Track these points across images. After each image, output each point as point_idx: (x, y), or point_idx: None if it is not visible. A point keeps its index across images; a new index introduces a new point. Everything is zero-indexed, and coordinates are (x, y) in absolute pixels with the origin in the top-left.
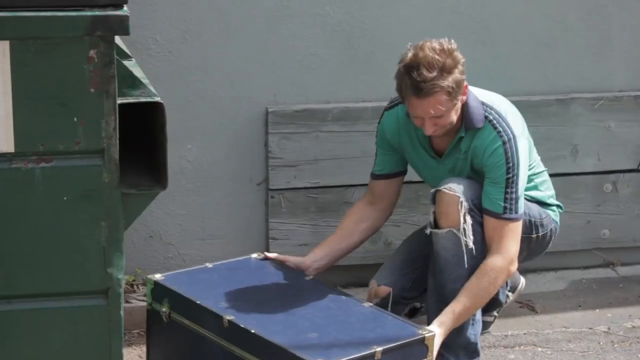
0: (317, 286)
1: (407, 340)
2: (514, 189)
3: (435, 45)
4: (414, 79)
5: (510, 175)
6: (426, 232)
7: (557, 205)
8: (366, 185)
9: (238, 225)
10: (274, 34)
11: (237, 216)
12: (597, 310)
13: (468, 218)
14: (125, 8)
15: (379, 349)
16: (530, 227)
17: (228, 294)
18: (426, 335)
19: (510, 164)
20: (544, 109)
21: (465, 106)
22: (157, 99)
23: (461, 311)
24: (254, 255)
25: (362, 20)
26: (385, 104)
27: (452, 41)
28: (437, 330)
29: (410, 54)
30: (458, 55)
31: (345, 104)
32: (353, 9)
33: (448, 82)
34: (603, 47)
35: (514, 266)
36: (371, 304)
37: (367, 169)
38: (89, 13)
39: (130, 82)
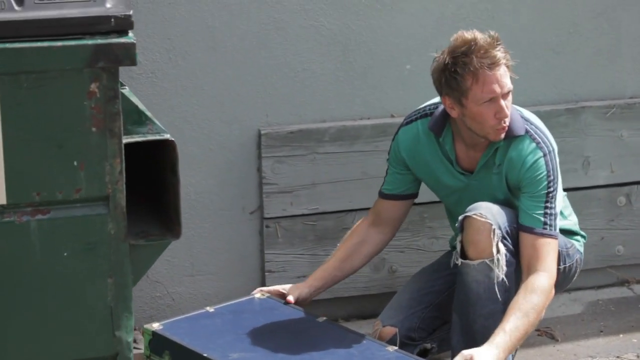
0: (332, 329)
1: None
2: (553, 205)
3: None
4: (480, 52)
5: (551, 189)
6: (456, 262)
7: (582, 235)
8: (367, 209)
9: (230, 258)
10: (265, 49)
11: (230, 249)
12: (621, 336)
13: (501, 247)
14: (130, 34)
15: None
16: (558, 258)
17: (236, 343)
18: None
19: (552, 177)
20: (554, 119)
21: None
22: (167, 136)
23: (512, 330)
24: (257, 295)
25: (358, 32)
26: (385, 120)
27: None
28: (493, 352)
29: (455, 43)
30: None
31: (342, 122)
32: (348, 19)
33: (507, 56)
34: (612, 53)
35: (553, 287)
36: (396, 348)
37: (368, 192)
38: (90, 42)
39: (136, 117)
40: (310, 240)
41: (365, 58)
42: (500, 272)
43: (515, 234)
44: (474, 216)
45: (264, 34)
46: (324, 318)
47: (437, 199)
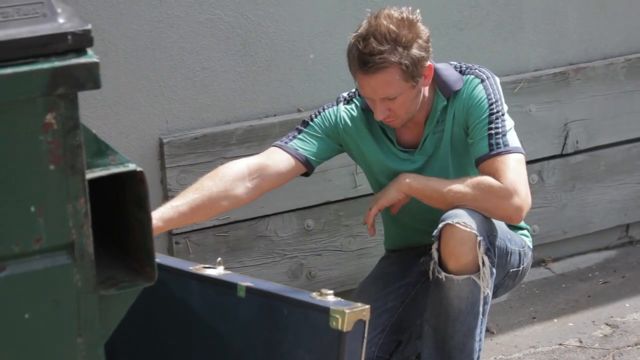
0: None
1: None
2: (500, 125)
3: (394, 13)
4: (360, 50)
5: (494, 110)
6: (439, 276)
7: (527, 229)
8: (281, 213)
9: None
10: (160, 49)
11: None
12: (555, 320)
13: (486, 260)
14: (90, 52)
15: None
16: (518, 259)
17: None
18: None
19: (493, 100)
20: None
21: (435, 74)
22: (134, 166)
23: (447, 184)
24: None
25: (257, 22)
26: (292, 115)
27: (417, 12)
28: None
29: (364, 23)
30: (420, 28)
31: (248, 123)
32: (246, 9)
33: (402, 57)
34: (515, 26)
35: (520, 200)
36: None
37: (281, 195)
38: (46, 65)
39: (95, 147)
40: (223, 252)
41: (267, 50)
42: (486, 286)
43: (497, 243)
44: (457, 225)
45: (157, 32)
46: None
47: (351, 196)
